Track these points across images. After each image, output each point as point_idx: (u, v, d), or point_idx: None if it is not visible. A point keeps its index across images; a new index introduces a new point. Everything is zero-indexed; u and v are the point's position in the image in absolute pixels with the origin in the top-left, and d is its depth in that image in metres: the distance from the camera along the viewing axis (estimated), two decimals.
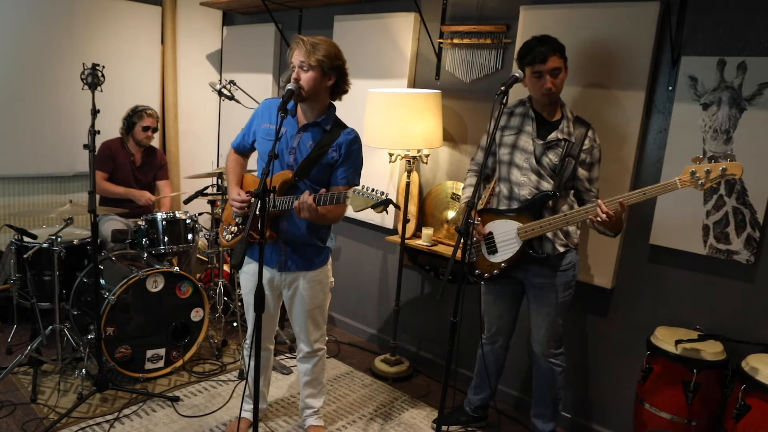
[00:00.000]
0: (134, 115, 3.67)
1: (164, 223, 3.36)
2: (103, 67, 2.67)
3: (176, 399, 2.91)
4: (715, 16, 2.36)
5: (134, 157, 3.75)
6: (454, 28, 3.18)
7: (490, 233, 2.47)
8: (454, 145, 3.27)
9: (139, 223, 3.34)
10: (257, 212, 1.93)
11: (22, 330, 3.34)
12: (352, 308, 3.97)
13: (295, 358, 3.47)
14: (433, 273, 3.31)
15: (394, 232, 3.56)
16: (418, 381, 3.35)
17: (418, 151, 3.16)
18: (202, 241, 4.07)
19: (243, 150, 2.50)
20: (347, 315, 4.01)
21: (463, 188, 2.67)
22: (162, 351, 3.10)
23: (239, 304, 3.80)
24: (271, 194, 2.16)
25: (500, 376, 2.82)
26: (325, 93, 2.25)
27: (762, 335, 2.33)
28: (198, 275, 3.95)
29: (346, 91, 2.31)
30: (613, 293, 2.74)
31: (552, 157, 2.37)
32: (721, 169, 2.01)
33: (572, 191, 2.46)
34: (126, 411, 2.77)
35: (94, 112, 2.55)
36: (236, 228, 2.50)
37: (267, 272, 2.39)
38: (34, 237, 3.06)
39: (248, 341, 2.56)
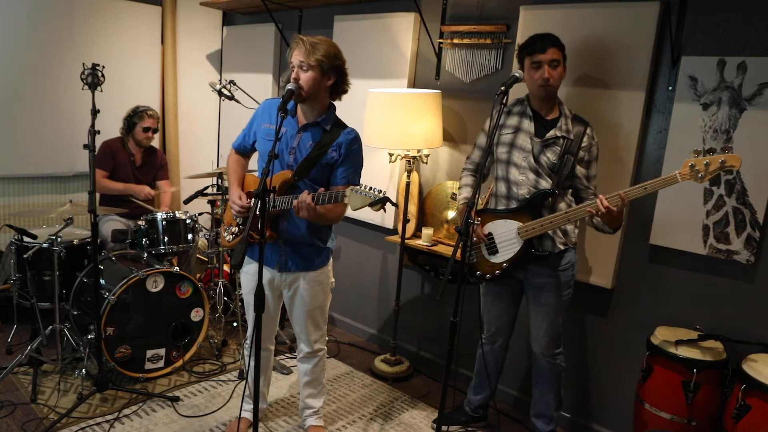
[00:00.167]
0: (135, 116, 3.67)
1: (164, 223, 3.36)
2: (103, 67, 2.67)
3: (176, 399, 2.91)
4: (715, 16, 2.36)
5: (134, 157, 3.75)
6: (454, 28, 3.18)
7: (490, 234, 2.47)
8: (454, 145, 3.27)
9: (139, 223, 3.34)
10: (257, 212, 1.93)
11: (22, 330, 3.34)
12: (352, 308, 3.97)
13: (295, 358, 3.47)
14: (433, 273, 3.31)
15: (394, 232, 3.56)
16: (418, 381, 3.35)
17: (418, 151, 3.16)
18: (202, 241, 4.07)
19: (244, 151, 2.51)
20: (347, 315, 4.01)
21: (459, 188, 2.66)
22: (162, 351, 3.10)
23: (239, 304, 3.80)
24: (271, 194, 2.16)
25: (500, 376, 2.83)
26: (325, 93, 2.25)
27: (762, 335, 2.33)
28: (198, 275, 3.95)
29: (345, 91, 2.31)
30: (613, 293, 2.74)
31: (550, 156, 2.38)
32: (720, 161, 2.01)
33: (570, 190, 2.46)
34: (126, 411, 2.77)
35: (94, 112, 2.55)
36: (237, 229, 2.50)
37: (267, 273, 2.39)
38: (34, 237, 3.06)
39: (248, 341, 2.56)
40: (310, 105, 2.25)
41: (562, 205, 2.42)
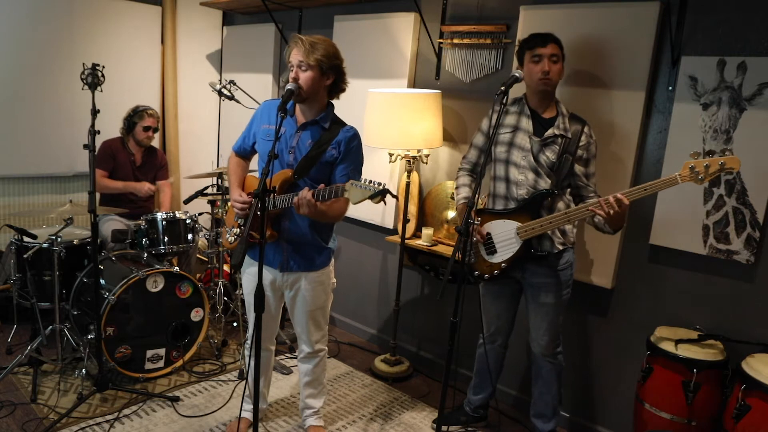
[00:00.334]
0: (135, 115, 3.67)
1: (164, 223, 3.36)
2: (103, 67, 2.67)
3: (176, 399, 2.91)
4: (715, 16, 2.36)
5: (134, 156, 3.75)
6: (454, 28, 3.18)
7: (488, 234, 2.47)
8: (454, 145, 3.27)
9: (139, 223, 3.34)
10: (258, 212, 1.93)
11: (22, 330, 3.34)
12: (352, 308, 3.97)
13: (295, 358, 3.47)
14: (433, 273, 3.31)
15: (394, 232, 3.56)
16: (418, 381, 3.35)
17: (418, 151, 3.16)
18: (202, 241, 4.07)
19: (244, 153, 2.51)
20: (347, 315, 4.01)
21: (456, 188, 2.65)
22: (162, 351, 3.10)
23: (239, 304, 3.80)
24: (272, 194, 2.16)
25: (499, 376, 2.83)
26: (324, 92, 2.26)
27: (762, 335, 2.33)
28: (198, 275, 3.95)
29: (343, 90, 2.33)
30: (613, 293, 2.74)
31: (549, 155, 2.38)
32: (719, 163, 2.02)
33: (568, 189, 2.47)
34: (126, 411, 2.77)
35: (94, 112, 2.55)
36: (239, 230, 2.51)
37: (269, 273, 2.39)
38: (34, 237, 3.06)
39: (249, 341, 2.56)
40: (309, 104, 2.25)
41: (561, 205, 2.42)
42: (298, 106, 2.28)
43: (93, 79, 2.61)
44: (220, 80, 4.13)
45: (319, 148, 2.24)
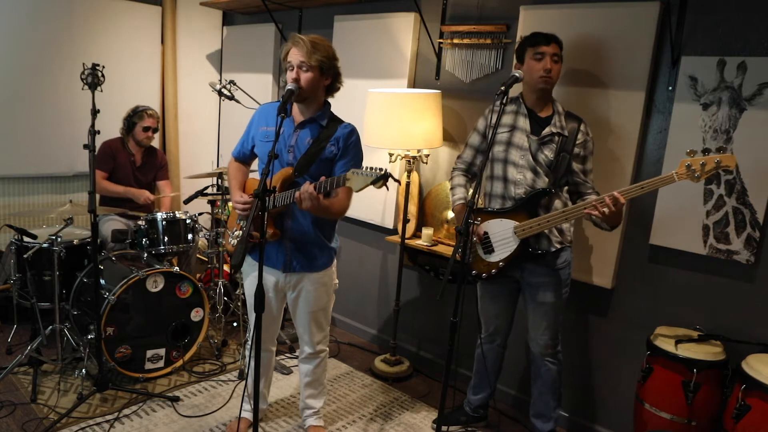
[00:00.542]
0: (135, 116, 3.67)
1: (164, 223, 3.36)
2: (103, 67, 2.67)
3: (176, 399, 2.91)
4: (715, 16, 2.36)
5: (134, 157, 3.75)
6: (454, 28, 3.18)
7: (486, 233, 2.47)
8: (454, 145, 3.27)
9: (139, 223, 3.34)
10: (260, 212, 1.93)
11: (22, 330, 3.34)
12: (352, 308, 3.97)
13: (295, 358, 3.48)
14: (433, 273, 3.31)
15: (394, 232, 3.56)
16: (418, 381, 3.35)
17: (418, 151, 3.16)
18: (202, 241, 4.07)
19: (243, 158, 2.51)
20: (347, 315, 4.01)
21: (451, 188, 2.65)
22: (162, 351, 3.10)
23: (239, 304, 3.80)
24: (272, 194, 2.16)
25: (499, 375, 2.83)
26: (322, 92, 2.28)
27: (762, 335, 2.33)
28: (198, 275, 3.95)
29: (338, 89, 2.35)
30: (613, 293, 2.74)
31: (548, 153, 2.39)
32: (715, 161, 2.04)
33: (566, 187, 2.47)
34: (126, 411, 2.77)
35: (94, 112, 2.55)
36: (241, 232, 2.50)
37: (272, 275, 2.39)
38: (34, 237, 3.06)
39: (249, 341, 2.56)
40: (307, 103, 2.27)
41: (558, 204, 2.43)
42: (295, 106, 2.29)
43: (93, 79, 2.61)
44: (220, 80, 4.13)
45: (319, 145, 2.24)
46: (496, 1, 3.03)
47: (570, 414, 2.92)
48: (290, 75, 2.18)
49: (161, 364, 3.11)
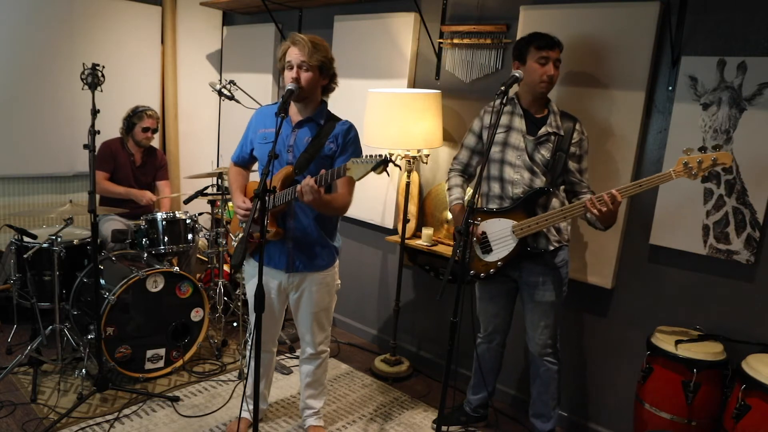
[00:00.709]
0: (134, 116, 3.67)
1: (164, 223, 3.36)
2: (103, 67, 2.67)
3: (176, 399, 2.91)
4: (715, 16, 2.36)
5: (134, 157, 3.75)
6: (454, 28, 3.18)
7: (484, 233, 2.47)
8: (454, 145, 3.27)
9: (139, 223, 3.34)
10: (263, 212, 1.93)
11: (22, 330, 3.34)
12: (352, 308, 3.97)
13: (295, 358, 3.48)
14: (433, 273, 3.31)
15: (394, 232, 3.56)
16: (418, 381, 3.35)
17: (418, 151, 3.16)
18: (202, 241, 4.07)
19: (243, 161, 2.51)
20: (347, 315, 4.01)
21: (448, 189, 2.65)
22: (162, 351, 3.10)
23: (239, 304, 3.80)
24: (272, 194, 2.16)
25: (498, 375, 2.83)
26: (319, 91, 2.29)
27: (762, 335, 2.33)
28: (198, 275, 3.95)
29: (333, 90, 2.36)
30: (613, 293, 2.74)
31: (544, 153, 2.39)
32: (712, 158, 2.07)
33: (562, 187, 2.48)
34: (126, 411, 2.77)
35: (94, 112, 2.55)
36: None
37: (276, 277, 2.39)
38: (34, 237, 3.06)
39: (250, 342, 2.56)
40: (305, 103, 2.28)
41: (556, 203, 2.44)
42: (293, 106, 2.29)
43: (93, 79, 2.62)
44: (220, 80, 4.13)
45: (318, 143, 2.25)
46: (496, 1, 3.03)
47: (570, 414, 2.92)
48: (289, 74, 2.18)
49: (161, 364, 3.11)
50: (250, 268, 2.47)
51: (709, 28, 2.38)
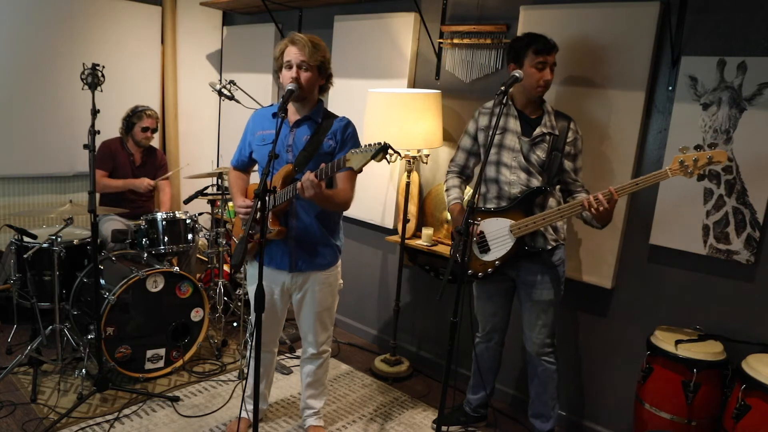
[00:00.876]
0: (134, 116, 3.67)
1: (164, 223, 3.36)
2: (103, 67, 2.67)
3: (176, 399, 2.91)
4: (715, 16, 2.36)
5: (134, 157, 3.75)
6: (454, 28, 3.18)
7: (481, 232, 2.47)
8: (454, 145, 3.26)
9: (139, 223, 3.34)
10: (265, 211, 1.93)
11: (22, 330, 3.34)
12: (352, 308, 3.97)
13: (295, 358, 3.48)
14: (433, 273, 3.30)
15: (394, 232, 3.56)
16: (418, 381, 3.35)
17: (418, 151, 3.16)
18: (202, 241, 4.07)
19: (242, 165, 2.52)
20: (347, 315, 4.01)
21: (446, 190, 2.66)
22: (162, 351, 3.10)
23: (239, 304, 3.80)
24: (272, 194, 2.16)
25: (497, 374, 2.83)
26: (317, 90, 2.30)
27: (762, 335, 2.33)
28: (198, 275, 3.95)
29: (328, 89, 2.37)
30: (613, 293, 2.74)
31: (540, 153, 2.40)
32: (707, 156, 2.08)
33: (558, 186, 2.49)
34: (126, 411, 2.77)
35: (94, 112, 2.55)
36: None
37: (279, 277, 2.39)
38: (34, 237, 3.06)
39: (250, 342, 2.56)
40: (303, 103, 2.28)
41: (552, 202, 2.45)
42: (290, 105, 2.29)
43: (93, 79, 2.62)
44: (220, 80, 4.13)
45: (317, 141, 2.26)
46: (496, 1, 3.03)
47: (570, 414, 2.92)
48: (288, 74, 2.19)
49: (161, 364, 3.11)
50: (252, 269, 2.47)
51: (709, 28, 2.38)
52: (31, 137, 3.90)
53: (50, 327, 2.99)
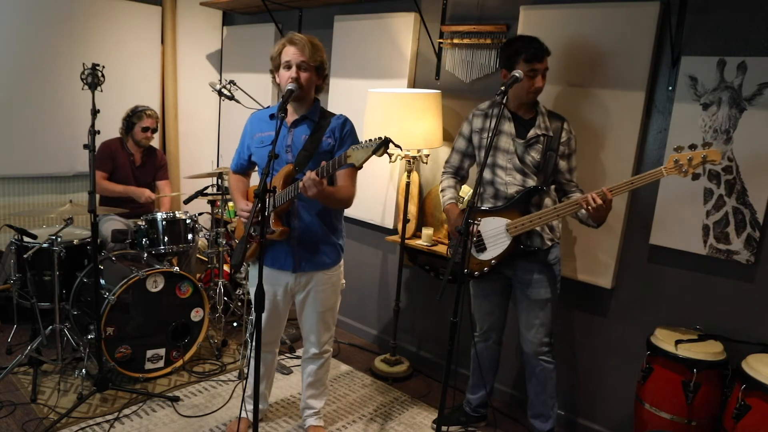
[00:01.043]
0: (134, 116, 3.67)
1: (164, 223, 3.36)
2: (103, 67, 2.67)
3: (176, 399, 2.91)
4: (715, 16, 2.36)
5: (134, 157, 3.75)
6: (454, 28, 3.18)
7: (478, 231, 2.48)
8: None
9: (139, 223, 3.34)
10: (265, 212, 1.93)
11: (22, 330, 3.34)
12: (353, 308, 3.97)
13: (295, 358, 3.48)
14: (433, 273, 3.31)
15: (394, 232, 3.56)
16: (418, 381, 3.35)
17: (418, 151, 3.16)
18: (202, 241, 4.07)
19: (242, 169, 2.52)
20: (347, 315, 4.01)
21: (442, 190, 2.67)
22: (162, 351, 3.10)
23: (239, 303, 3.80)
24: (272, 194, 2.16)
25: (496, 373, 2.83)
26: (314, 90, 2.31)
27: (762, 335, 2.33)
28: (198, 275, 3.95)
29: (323, 89, 2.38)
30: (613, 293, 2.74)
31: (534, 155, 2.41)
32: (702, 156, 2.09)
33: (553, 186, 2.50)
34: (126, 411, 2.77)
35: (94, 112, 2.55)
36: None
37: (283, 278, 2.39)
38: (34, 237, 3.05)
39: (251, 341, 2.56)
40: (300, 102, 2.29)
41: (548, 202, 2.47)
42: (288, 105, 2.29)
43: (93, 79, 2.62)
44: (220, 80, 4.14)
45: (316, 139, 2.26)
46: (496, 1, 3.03)
47: (570, 414, 2.92)
48: (287, 74, 2.19)
49: (161, 364, 3.11)
50: (255, 270, 2.47)
51: (709, 28, 2.38)
52: (31, 137, 3.90)
53: (50, 327, 2.98)
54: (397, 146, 1.93)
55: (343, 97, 3.67)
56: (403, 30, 3.37)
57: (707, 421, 2.28)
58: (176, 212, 3.42)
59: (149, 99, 4.28)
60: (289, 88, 2.12)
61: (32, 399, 2.77)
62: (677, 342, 2.32)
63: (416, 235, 3.39)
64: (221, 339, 3.56)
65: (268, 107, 2.50)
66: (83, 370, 2.89)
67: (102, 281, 3.03)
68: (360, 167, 1.98)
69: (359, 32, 3.59)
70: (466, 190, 2.97)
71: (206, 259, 4.02)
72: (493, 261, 2.46)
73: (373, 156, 1.89)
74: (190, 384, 3.09)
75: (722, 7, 2.34)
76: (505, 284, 2.61)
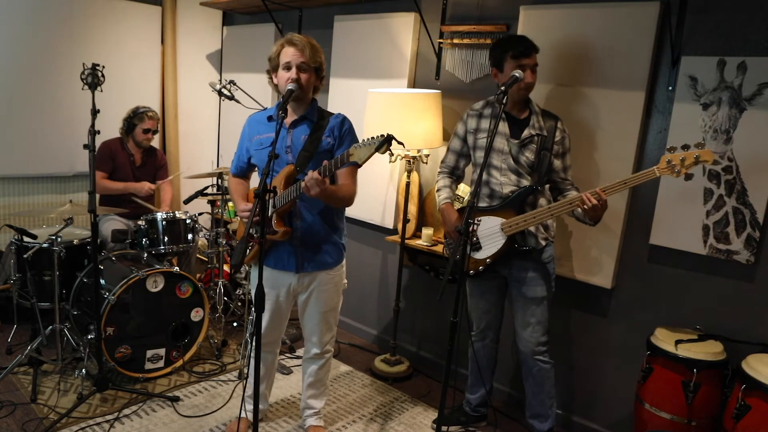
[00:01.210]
0: (135, 117, 3.67)
1: (164, 223, 3.36)
2: (103, 67, 2.67)
3: (176, 399, 2.91)
4: (715, 16, 2.36)
5: (134, 157, 3.75)
6: (454, 28, 3.18)
7: (473, 231, 2.48)
8: None
9: (139, 223, 3.34)
10: (265, 212, 1.93)
11: (22, 330, 3.34)
12: (353, 308, 3.97)
13: (295, 358, 3.48)
14: (433, 273, 3.31)
15: (394, 232, 3.56)
16: (418, 381, 3.35)
17: (418, 151, 3.16)
18: (202, 241, 4.07)
19: (242, 172, 2.52)
20: (347, 315, 4.01)
21: (437, 190, 2.68)
22: (162, 351, 3.10)
23: (239, 303, 3.80)
24: (272, 194, 2.17)
25: (494, 372, 2.83)
26: (312, 91, 2.32)
27: (762, 335, 2.33)
28: (198, 275, 3.95)
29: (320, 90, 2.40)
30: (613, 293, 2.74)
31: (528, 155, 2.42)
32: (694, 156, 2.09)
33: (547, 185, 2.51)
34: (126, 411, 2.77)
35: (94, 112, 2.55)
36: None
37: (286, 278, 2.39)
38: (34, 237, 3.06)
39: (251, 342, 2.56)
40: (299, 103, 2.30)
41: (543, 201, 2.48)
42: (287, 106, 2.30)
43: (93, 79, 2.62)
44: (220, 80, 4.13)
45: (315, 139, 2.27)
46: (496, 1, 3.03)
47: (569, 414, 2.92)
48: (287, 75, 2.20)
49: (161, 364, 3.11)
50: (256, 271, 2.46)
51: (709, 28, 2.38)
52: (31, 137, 3.90)
53: (50, 327, 2.98)
54: (399, 143, 1.93)
55: (343, 97, 3.67)
56: (403, 30, 3.37)
57: (707, 421, 2.28)
58: (176, 212, 3.42)
59: (149, 99, 4.28)
60: (290, 88, 2.13)
61: (32, 399, 2.77)
62: (677, 342, 2.32)
63: (416, 235, 3.39)
64: (221, 339, 3.56)
65: (265, 109, 2.51)
66: (83, 370, 2.89)
67: (102, 281, 3.03)
68: (361, 165, 1.98)
69: (359, 32, 3.59)
70: (466, 190, 2.97)
71: (206, 259, 4.02)
72: (488, 260, 2.47)
73: (376, 153, 1.89)
74: (190, 384, 3.09)
75: (722, 7, 2.34)
76: (501, 283, 2.62)
